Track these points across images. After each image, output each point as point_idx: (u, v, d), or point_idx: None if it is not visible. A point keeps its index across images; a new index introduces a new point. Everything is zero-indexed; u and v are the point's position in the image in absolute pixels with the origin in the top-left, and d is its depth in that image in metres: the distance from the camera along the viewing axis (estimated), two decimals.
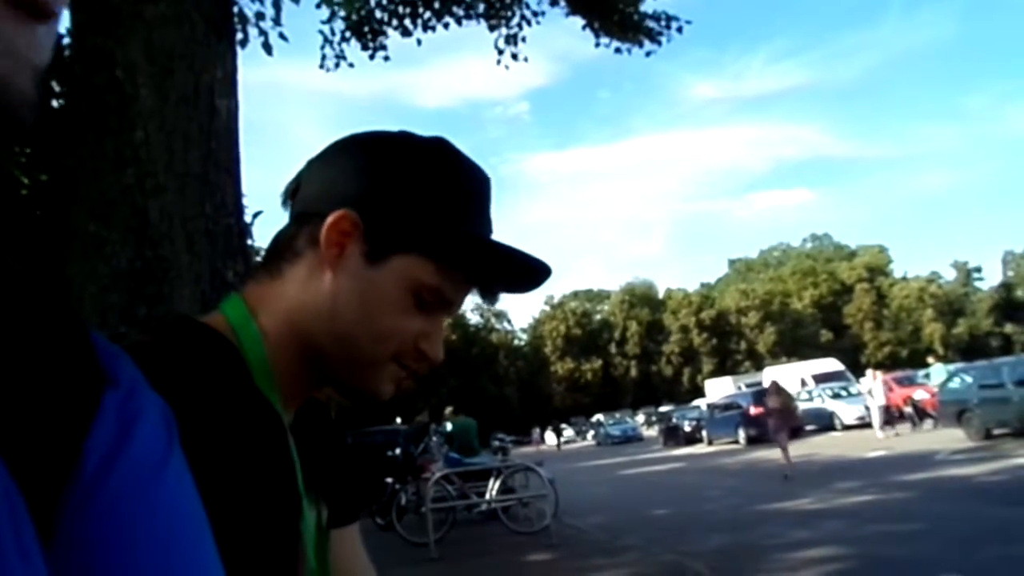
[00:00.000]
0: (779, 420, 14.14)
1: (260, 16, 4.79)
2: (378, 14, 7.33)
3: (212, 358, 0.63)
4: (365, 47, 7.44)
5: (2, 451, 0.33)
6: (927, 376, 21.40)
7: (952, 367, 21.42)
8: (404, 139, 0.72)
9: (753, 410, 22.63)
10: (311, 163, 0.73)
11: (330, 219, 0.66)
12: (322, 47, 7.32)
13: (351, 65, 7.44)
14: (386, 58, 7.59)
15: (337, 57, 7.41)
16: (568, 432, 49.91)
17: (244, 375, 0.64)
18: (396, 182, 0.68)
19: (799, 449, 18.49)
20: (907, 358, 55.20)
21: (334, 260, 0.68)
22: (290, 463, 0.65)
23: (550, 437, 50.59)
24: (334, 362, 0.69)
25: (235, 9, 3.54)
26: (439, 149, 0.72)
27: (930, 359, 22.85)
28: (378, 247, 0.68)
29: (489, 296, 0.74)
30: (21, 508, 0.33)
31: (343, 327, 0.68)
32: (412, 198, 0.68)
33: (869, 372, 20.75)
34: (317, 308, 0.68)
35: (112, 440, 0.38)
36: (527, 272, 0.71)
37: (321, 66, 7.31)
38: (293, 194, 0.73)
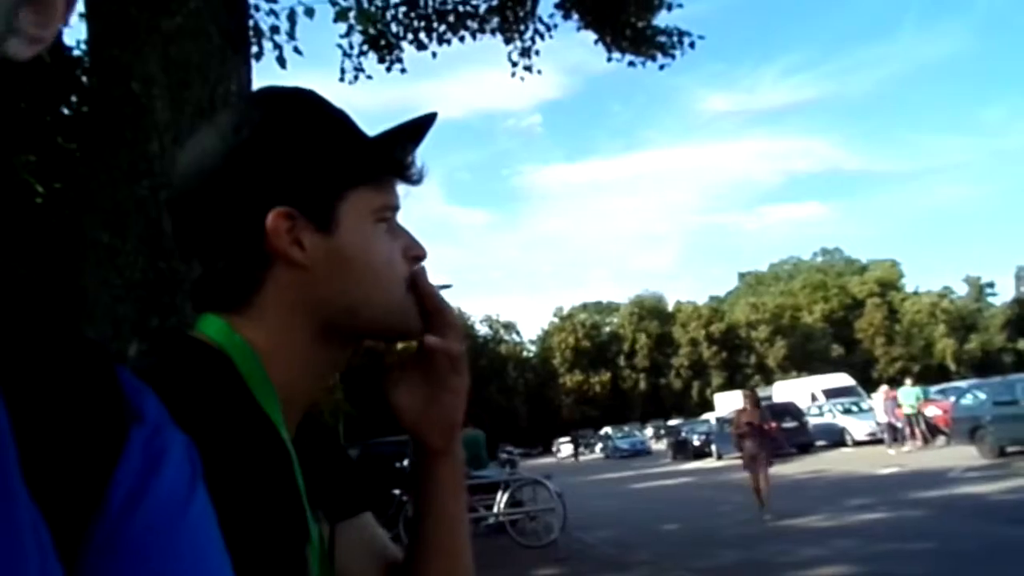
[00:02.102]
0: (755, 443, 10.46)
1: (275, 30, 4.84)
2: (394, 28, 7.40)
3: (213, 383, 0.62)
4: (382, 60, 7.51)
5: (31, 486, 0.33)
6: (941, 392, 21.05)
7: (970, 383, 21.06)
8: (251, 108, 0.70)
9: (764, 426, 22.44)
10: (180, 195, 0.69)
11: (269, 229, 0.64)
12: (342, 61, 7.41)
13: (369, 77, 7.52)
14: (402, 70, 7.67)
15: (356, 70, 7.50)
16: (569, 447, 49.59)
17: (246, 396, 0.63)
18: (286, 148, 0.67)
19: (810, 465, 18.37)
20: (919, 374, 54.75)
21: (303, 256, 0.66)
22: (296, 490, 0.64)
23: (559, 449, 50.32)
24: (366, 328, 0.70)
25: (250, 23, 3.57)
26: (281, 95, 0.72)
27: (908, 380, 21.12)
28: (321, 215, 0.67)
29: (413, 175, 0.74)
30: (48, 543, 0.33)
31: (356, 298, 0.68)
32: (308, 151, 0.67)
33: (883, 388, 20.49)
34: (320, 302, 0.67)
35: (138, 476, 0.38)
36: (419, 130, 0.72)
37: (341, 79, 7.40)
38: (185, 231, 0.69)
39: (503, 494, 10.15)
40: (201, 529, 0.41)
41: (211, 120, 0.71)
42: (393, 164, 0.71)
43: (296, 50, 4.88)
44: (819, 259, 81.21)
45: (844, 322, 66.71)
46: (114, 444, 0.38)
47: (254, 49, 4.11)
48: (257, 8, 4.85)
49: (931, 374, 53.39)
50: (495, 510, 10.16)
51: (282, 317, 0.66)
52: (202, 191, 0.67)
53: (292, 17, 4.66)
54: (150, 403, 0.42)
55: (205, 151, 0.68)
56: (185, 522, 0.39)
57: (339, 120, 0.71)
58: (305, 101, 0.71)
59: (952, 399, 17.66)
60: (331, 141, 0.69)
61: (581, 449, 46.98)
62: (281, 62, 4.78)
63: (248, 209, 0.65)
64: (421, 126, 0.72)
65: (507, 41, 7.85)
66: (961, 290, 71.94)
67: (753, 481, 10.61)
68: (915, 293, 70.00)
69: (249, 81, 3.06)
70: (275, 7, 4.96)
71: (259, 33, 4.64)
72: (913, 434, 18.99)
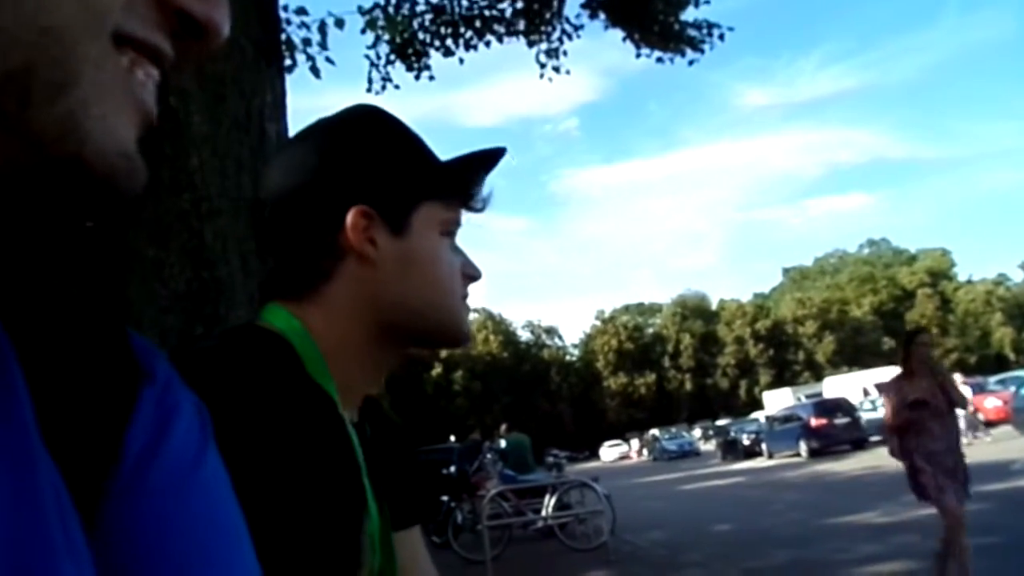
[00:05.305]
0: (940, 438, 5.24)
1: (307, 42, 4.92)
2: (421, 36, 7.46)
3: (269, 355, 0.66)
4: (410, 68, 7.58)
5: (48, 444, 0.34)
6: (1000, 383, 20.31)
7: None
8: (343, 122, 0.76)
9: (815, 421, 21.93)
10: (272, 187, 0.74)
11: (349, 225, 0.69)
12: (368, 71, 7.49)
13: (397, 87, 7.59)
14: (431, 78, 7.73)
15: (384, 80, 7.57)
16: (623, 448, 49.18)
17: (299, 368, 0.67)
18: (373, 157, 0.73)
19: (866, 461, 17.90)
20: (976, 364, 53.03)
21: (374, 253, 0.71)
22: (351, 453, 0.67)
23: (608, 453, 49.83)
24: (421, 332, 0.75)
25: (283, 36, 3.64)
26: (371, 113, 0.77)
27: None
28: (397, 219, 0.72)
29: (477, 203, 0.79)
30: (68, 502, 0.34)
31: (419, 301, 0.72)
32: (393, 162, 0.73)
33: (958, 376, 19.81)
34: (383, 300, 0.71)
35: (151, 433, 0.39)
36: (490, 160, 0.78)
37: (368, 89, 7.48)
38: (265, 219, 0.74)
39: (551, 497, 10.11)
40: (214, 482, 0.42)
41: (303, 137, 0.77)
42: (463, 188, 0.77)
43: (329, 60, 4.96)
44: (865, 251, 79.32)
45: (894, 314, 64.97)
46: (127, 401, 0.39)
47: (287, 62, 4.18)
48: (288, 22, 4.95)
49: (988, 364, 51.69)
50: (543, 513, 10.12)
51: (346, 309, 0.71)
52: (294, 195, 0.72)
53: (323, 28, 4.74)
54: (160, 363, 0.43)
55: (296, 164, 0.74)
56: (198, 475, 0.41)
57: (418, 140, 0.78)
58: (388, 119, 0.77)
59: (1012, 389, 17.06)
60: (412, 158, 0.75)
61: (625, 451, 46.84)
62: (315, 72, 4.86)
63: (331, 206, 0.70)
64: (492, 157, 0.77)
65: (530, 44, 7.86)
66: (1017, 277, 69.60)
67: (951, 519, 5.15)
68: (968, 282, 67.89)
69: (283, 93, 3.11)
70: (306, 20, 5.06)
71: (291, 46, 4.73)
72: None
